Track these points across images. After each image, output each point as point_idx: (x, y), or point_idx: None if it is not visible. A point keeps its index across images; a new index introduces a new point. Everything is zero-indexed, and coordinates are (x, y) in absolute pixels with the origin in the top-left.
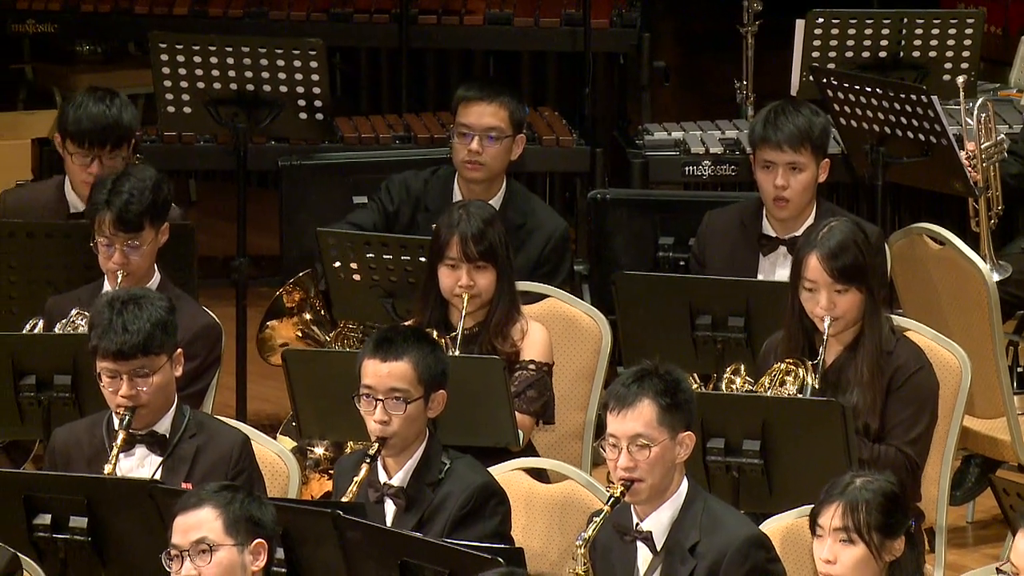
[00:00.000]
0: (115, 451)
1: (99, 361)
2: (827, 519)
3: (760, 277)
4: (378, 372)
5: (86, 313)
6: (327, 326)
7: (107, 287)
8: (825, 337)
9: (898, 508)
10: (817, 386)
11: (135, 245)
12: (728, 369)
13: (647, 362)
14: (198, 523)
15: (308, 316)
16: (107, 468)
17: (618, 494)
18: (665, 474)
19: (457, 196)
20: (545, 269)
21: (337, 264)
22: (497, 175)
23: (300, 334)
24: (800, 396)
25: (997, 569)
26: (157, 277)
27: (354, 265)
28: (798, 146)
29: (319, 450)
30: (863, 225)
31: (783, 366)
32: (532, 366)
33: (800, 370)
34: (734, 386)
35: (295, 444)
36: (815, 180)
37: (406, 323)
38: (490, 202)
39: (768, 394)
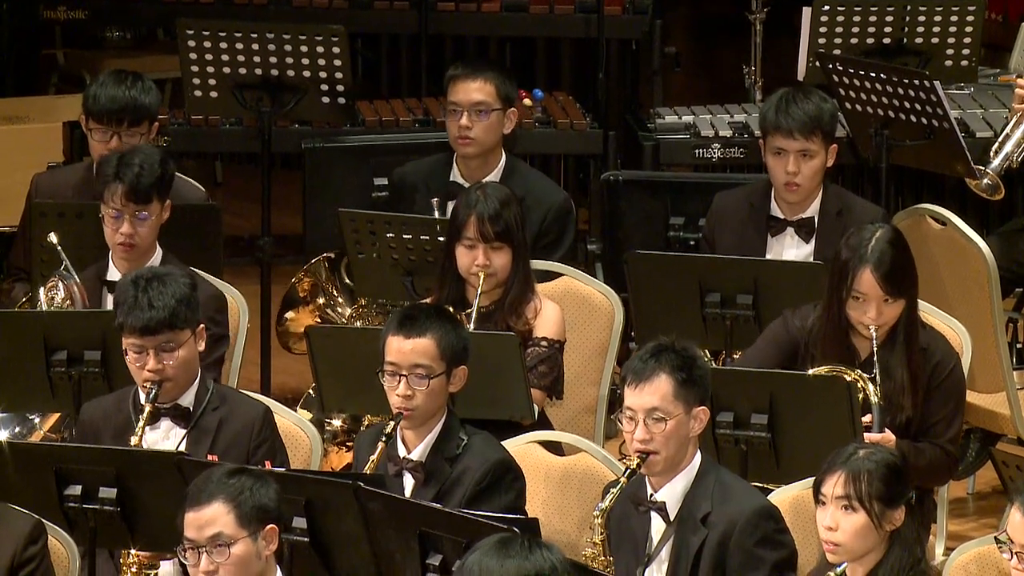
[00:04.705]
0: (142, 424)
1: (126, 337)
2: (829, 487)
3: (768, 257)
4: (401, 348)
5: (63, 281)
6: (343, 306)
7: (112, 267)
8: (874, 347)
9: (899, 479)
10: (880, 401)
11: (144, 217)
12: None
13: (664, 338)
14: (211, 519)
15: (322, 300)
16: (133, 440)
17: (634, 466)
18: (680, 447)
19: (456, 175)
20: (546, 241)
21: (360, 255)
22: (490, 149)
23: (319, 319)
24: (808, 373)
25: (996, 538)
26: (159, 253)
27: (375, 244)
28: (809, 134)
29: (336, 423)
30: (898, 229)
31: (847, 378)
32: (544, 343)
33: (851, 379)
34: None
35: (312, 416)
36: (824, 165)
37: (423, 301)
38: (488, 177)
39: None
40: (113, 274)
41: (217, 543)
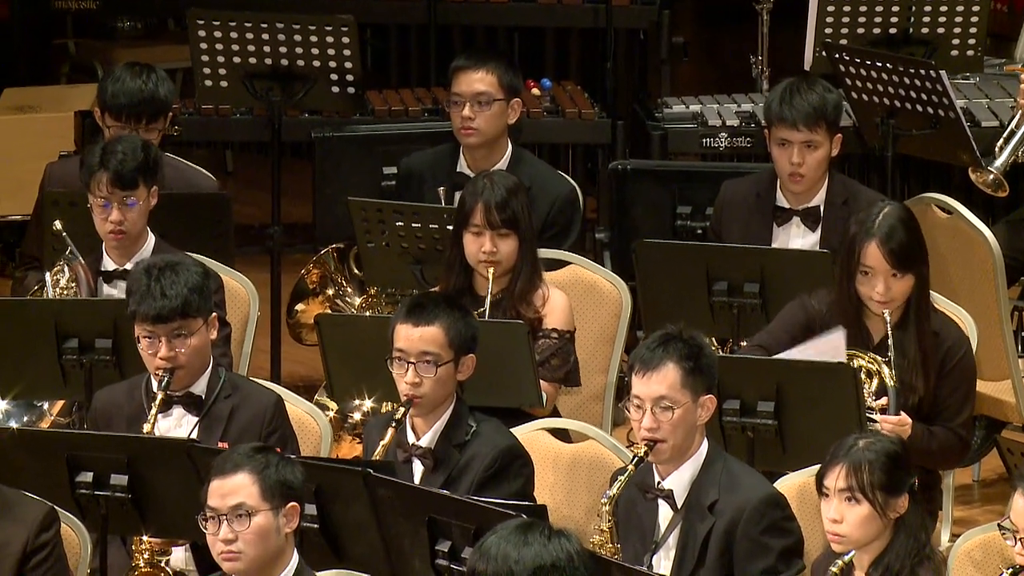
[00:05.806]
0: (154, 411)
1: (138, 325)
2: (832, 480)
3: (774, 246)
4: (410, 336)
5: (68, 264)
6: (352, 296)
7: (106, 257)
8: (888, 329)
9: (900, 467)
10: (896, 384)
11: (132, 203)
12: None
13: (672, 327)
14: (235, 488)
15: (331, 291)
16: (146, 428)
17: (642, 453)
18: (687, 435)
19: (462, 165)
20: (553, 231)
21: (369, 243)
22: (493, 140)
23: (329, 310)
24: (816, 361)
25: (999, 525)
26: (152, 239)
27: (384, 233)
28: (813, 125)
29: (358, 416)
30: (907, 207)
31: (858, 363)
32: (555, 334)
33: (867, 363)
34: None
35: (336, 407)
36: (829, 155)
37: (433, 289)
38: (495, 167)
39: None
40: (107, 264)
41: (239, 512)
